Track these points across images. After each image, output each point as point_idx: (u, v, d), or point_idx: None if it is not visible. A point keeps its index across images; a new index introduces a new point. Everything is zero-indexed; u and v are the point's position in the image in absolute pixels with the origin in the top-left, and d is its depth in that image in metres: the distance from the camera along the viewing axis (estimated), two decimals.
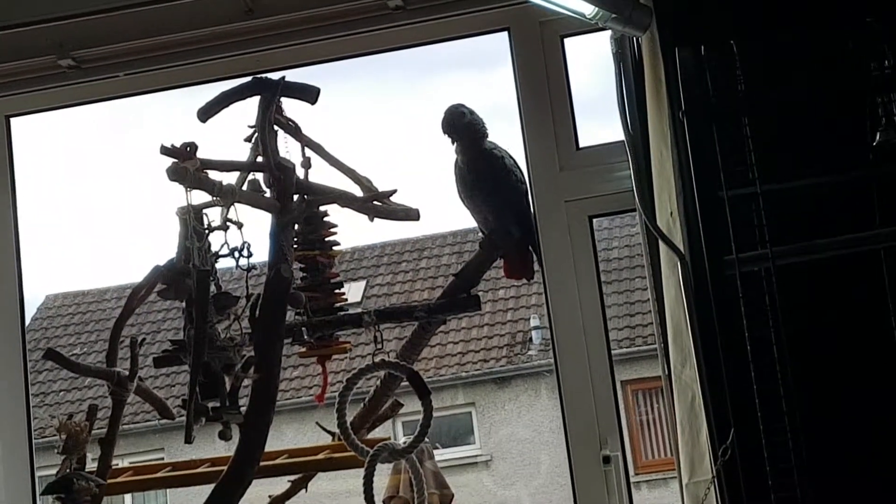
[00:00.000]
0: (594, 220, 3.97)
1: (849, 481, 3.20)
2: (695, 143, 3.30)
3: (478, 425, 14.08)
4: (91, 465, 3.01)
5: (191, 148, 2.83)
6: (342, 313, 3.31)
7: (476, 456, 13.88)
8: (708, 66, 3.31)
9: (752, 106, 3.33)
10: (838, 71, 3.32)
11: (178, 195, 2.83)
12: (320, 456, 3.25)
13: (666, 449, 12.21)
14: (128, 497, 12.51)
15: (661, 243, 3.53)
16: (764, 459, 3.16)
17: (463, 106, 3.48)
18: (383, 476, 4.66)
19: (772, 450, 3.15)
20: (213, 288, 2.86)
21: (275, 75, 3.12)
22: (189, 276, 2.82)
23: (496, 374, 14.09)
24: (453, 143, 3.49)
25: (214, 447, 3.01)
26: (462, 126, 3.47)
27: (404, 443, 3.07)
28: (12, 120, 4.34)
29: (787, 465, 3.15)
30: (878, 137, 3.23)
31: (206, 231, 2.90)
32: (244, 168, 3.08)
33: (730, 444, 3.23)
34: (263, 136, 3.04)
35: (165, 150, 2.81)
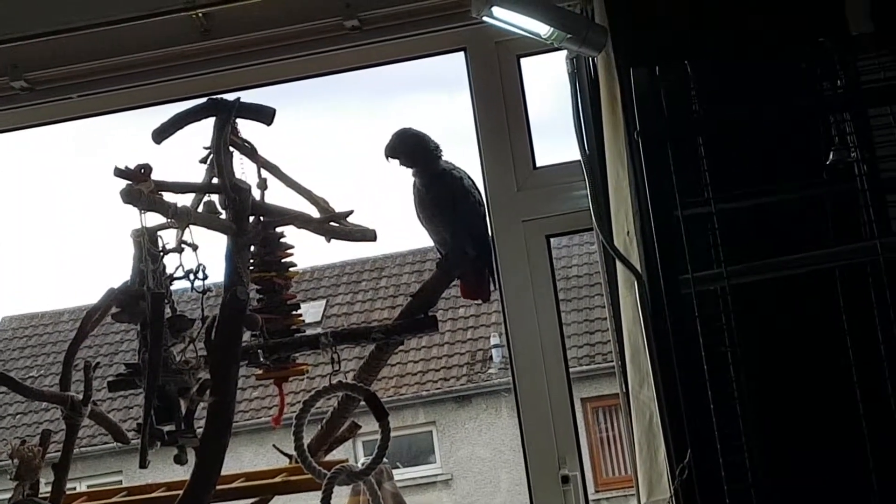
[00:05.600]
0: (552, 239, 3.98)
1: (806, 500, 3.22)
2: (650, 162, 3.30)
3: (438, 444, 14.06)
4: (45, 490, 2.98)
5: (145, 170, 2.81)
6: (299, 335, 3.29)
7: (436, 475, 13.85)
8: (662, 86, 3.32)
9: (706, 126, 3.34)
10: (792, 90, 3.35)
11: (133, 217, 2.82)
12: (277, 479, 3.23)
13: (627, 466, 12.22)
14: None
15: (618, 262, 3.53)
16: (721, 478, 3.16)
17: (410, 129, 3.48)
18: (342, 497, 4.63)
19: (729, 469, 3.16)
20: (167, 310, 2.85)
21: (231, 96, 3.10)
22: (144, 298, 2.81)
23: (456, 393, 14.08)
24: (409, 167, 3.49)
25: (173, 470, 2.98)
26: (409, 148, 3.47)
27: (363, 464, 3.05)
28: None
29: (744, 484, 3.15)
30: (831, 156, 3.26)
31: (161, 253, 2.89)
32: (199, 189, 3.06)
33: (687, 463, 3.23)
34: (219, 157, 3.01)
35: (119, 172, 2.79)
